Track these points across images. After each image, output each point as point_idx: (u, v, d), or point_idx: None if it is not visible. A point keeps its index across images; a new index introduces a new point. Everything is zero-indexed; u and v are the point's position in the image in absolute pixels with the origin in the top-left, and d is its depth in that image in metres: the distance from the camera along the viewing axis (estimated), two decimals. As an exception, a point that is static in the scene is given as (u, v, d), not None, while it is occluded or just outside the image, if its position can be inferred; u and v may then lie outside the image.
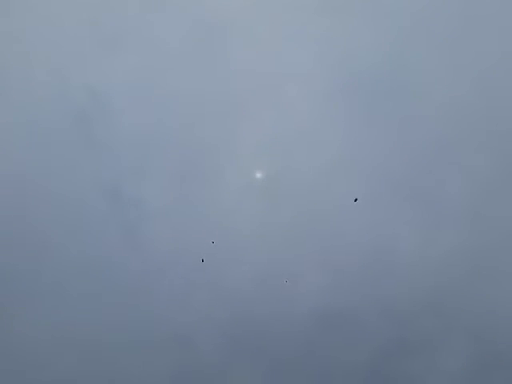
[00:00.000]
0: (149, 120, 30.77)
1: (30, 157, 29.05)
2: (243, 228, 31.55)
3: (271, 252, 31.72)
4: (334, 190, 31.69)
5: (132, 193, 30.18)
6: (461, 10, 29.97)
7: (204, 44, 31.13)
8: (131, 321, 30.32)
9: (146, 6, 30.12)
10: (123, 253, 29.91)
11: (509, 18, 29.59)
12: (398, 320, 31.19)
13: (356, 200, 30.45)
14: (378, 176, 31.54)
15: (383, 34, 30.09)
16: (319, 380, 31.29)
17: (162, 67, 31.03)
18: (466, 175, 31.14)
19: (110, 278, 29.92)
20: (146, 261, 30.17)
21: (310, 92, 31.55)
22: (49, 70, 29.46)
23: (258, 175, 31.72)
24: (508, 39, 30.40)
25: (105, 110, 29.68)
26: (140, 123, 30.44)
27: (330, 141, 31.31)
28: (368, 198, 31.55)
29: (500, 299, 29.90)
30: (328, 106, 31.36)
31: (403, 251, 31.36)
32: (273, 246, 31.76)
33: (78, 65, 29.45)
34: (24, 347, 29.15)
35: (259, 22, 31.04)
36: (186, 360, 30.95)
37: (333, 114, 31.43)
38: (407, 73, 31.14)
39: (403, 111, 31.33)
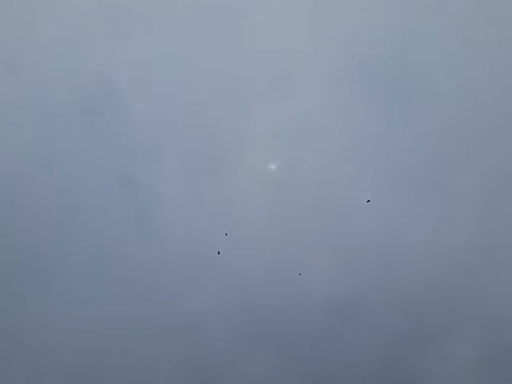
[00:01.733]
0: (160, 107, 30.50)
1: (40, 144, 28.87)
2: (254, 217, 31.37)
3: (282, 242, 31.56)
4: (345, 179, 31.46)
5: (144, 180, 29.99)
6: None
7: (215, 31, 30.82)
8: (141, 309, 30.25)
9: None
10: (135, 240, 29.79)
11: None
12: (409, 310, 31.06)
13: (369, 201, 30.20)
14: (388, 166, 31.28)
15: (394, 19, 29.66)
16: (330, 370, 31.23)
17: (173, 54, 30.72)
18: (478, 165, 30.82)
19: (121, 265, 29.81)
20: (157, 248, 30.05)
21: (320, 81, 31.22)
22: (58, 57, 29.21)
23: (270, 165, 31.51)
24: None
25: (116, 97, 29.42)
26: (151, 110, 30.17)
27: (340, 130, 31.05)
28: (379, 188, 31.29)
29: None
30: (339, 95, 31.07)
31: (414, 241, 31.19)
32: (283, 235, 31.60)
33: (88, 51, 29.17)
34: (32, 334, 29.15)
35: (267, 11, 30.67)
36: (197, 349, 30.90)
37: (344, 104, 31.14)
38: (420, 60, 30.78)
39: (415, 100, 30.97)
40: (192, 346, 30.26)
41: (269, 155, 31.29)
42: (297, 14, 30.90)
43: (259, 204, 31.13)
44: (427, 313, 31.05)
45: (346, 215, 31.38)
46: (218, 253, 30.21)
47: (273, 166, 31.37)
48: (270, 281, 31.09)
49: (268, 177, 31.27)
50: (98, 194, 29.34)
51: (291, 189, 31.25)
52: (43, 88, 29.23)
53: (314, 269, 31.18)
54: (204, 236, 30.62)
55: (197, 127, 30.60)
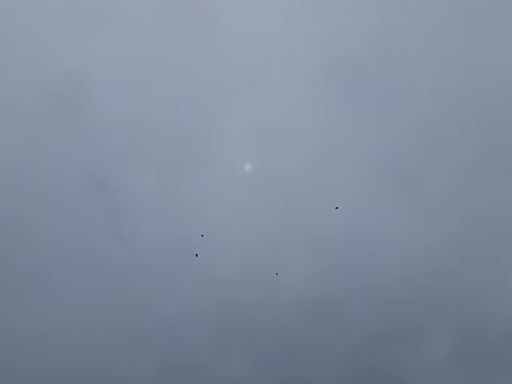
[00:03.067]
0: (132, 106, 30.26)
1: (10, 145, 28.52)
2: (229, 217, 31.21)
3: (257, 241, 31.42)
4: (321, 178, 31.36)
5: (116, 181, 29.73)
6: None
7: (189, 28, 30.58)
8: (116, 311, 30.00)
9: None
10: (107, 242, 29.54)
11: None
12: (385, 309, 31.02)
13: (337, 208, 30.16)
14: (364, 164, 31.27)
15: (369, 14, 29.54)
16: (307, 369, 31.15)
17: (146, 52, 30.50)
18: (454, 163, 30.86)
19: (94, 267, 29.55)
20: (130, 250, 29.82)
21: (296, 78, 31.10)
22: (28, 55, 28.87)
23: (245, 163, 31.35)
24: (502, 25, 29.88)
25: (86, 96, 29.15)
26: (123, 109, 29.91)
27: (316, 128, 30.94)
28: (355, 186, 31.25)
29: (487, 288, 29.74)
30: (315, 92, 30.96)
31: (390, 240, 31.17)
32: (259, 234, 31.46)
33: (58, 49, 28.84)
34: (7, 341, 28.83)
35: (242, 11, 30.51)
36: (173, 350, 30.71)
37: (320, 101, 31.04)
38: (395, 57, 30.73)
39: (391, 97, 30.93)
40: (166, 348, 30.05)
41: (243, 155, 31.16)
42: (271, 14, 30.79)
43: (234, 203, 30.97)
44: (403, 311, 31.03)
45: (322, 214, 31.29)
46: (196, 255, 30.00)
47: (247, 166, 31.24)
48: (245, 281, 30.95)
49: (242, 176, 31.15)
50: (70, 195, 29.04)
51: (266, 188, 31.13)
52: (14, 88, 28.89)
53: (289, 269, 31.09)
54: (178, 236, 30.44)
55: (170, 127, 30.40)
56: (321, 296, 30.72)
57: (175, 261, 30.41)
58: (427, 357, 30.68)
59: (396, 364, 30.79)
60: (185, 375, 30.59)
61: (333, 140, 31.23)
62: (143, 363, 30.42)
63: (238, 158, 31.25)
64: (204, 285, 30.96)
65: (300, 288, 30.92)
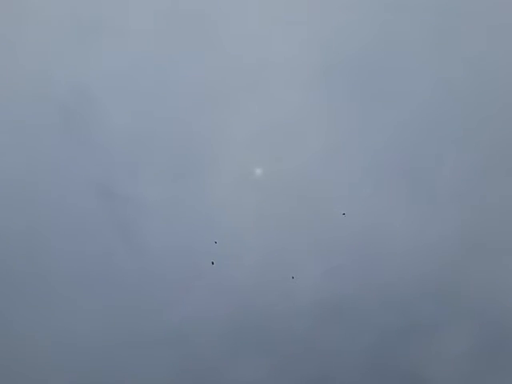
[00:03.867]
0: (138, 115, 30.27)
1: (17, 159, 28.54)
2: (239, 221, 31.14)
3: (268, 244, 31.34)
4: (330, 179, 31.30)
5: (124, 190, 29.69)
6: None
7: (190, 37, 30.67)
8: (129, 320, 29.92)
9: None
10: (118, 251, 29.48)
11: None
12: (400, 306, 30.86)
13: (344, 214, 30.07)
14: (371, 160, 31.22)
15: (370, 12, 29.57)
16: (323, 371, 31.00)
17: (148, 61, 30.53)
18: (462, 158, 30.79)
19: (105, 277, 29.48)
20: (141, 258, 29.74)
21: (299, 79, 31.11)
22: (31, 69, 28.92)
23: (253, 167, 31.32)
24: (505, 17, 29.91)
25: (92, 107, 29.15)
26: (129, 119, 29.92)
27: (321, 127, 30.91)
28: (363, 183, 31.21)
29: (503, 281, 29.59)
30: (319, 92, 30.95)
31: (402, 237, 31.08)
32: (270, 237, 31.37)
33: (61, 61, 28.90)
34: (18, 350, 28.73)
35: (240, 15, 30.54)
36: (188, 358, 30.58)
37: (323, 100, 31.03)
38: (396, 52, 30.75)
39: (395, 95, 30.92)
40: (181, 356, 29.90)
41: (250, 159, 31.12)
42: (270, 17, 30.81)
43: (243, 208, 30.93)
44: (418, 308, 30.89)
45: (332, 214, 31.20)
46: (212, 263, 29.82)
47: (255, 169, 31.20)
48: (258, 285, 30.83)
49: (251, 180, 31.10)
50: (79, 206, 29.01)
51: (275, 191, 31.07)
52: (18, 101, 28.93)
53: (302, 271, 30.99)
54: (189, 243, 30.35)
55: (176, 134, 30.37)
56: (335, 296, 30.59)
57: (187, 268, 30.33)
58: (445, 353, 30.53)
59: (414, 361, 30.66)
60: (201, 381, 30.48)
61: (339, 140, 31.21)
62: (158, 371, 30.32)
63: (245, 162, 31.23)
64: (217, 291, 30.86)
65: (314, 289, 30.78)
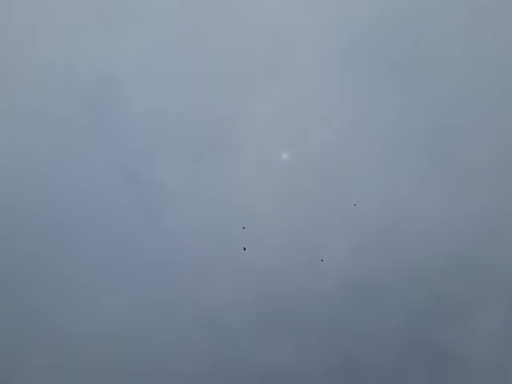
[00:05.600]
0: (160, 100, 30.32)
1: (44, 145, 28.69)
2: (262, 204, 31.02)
3: (293, 226, 31.17)
4: (353, 157, 31.06)
5: (149, 175, 29.78)
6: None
7: (210, 18, 30.58)
8: (157, 303, 29.94)
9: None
10: (144, 235, 29.55)
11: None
12: (427, 284, 30.49)
13: (355, 205, 29.62)
14: (397, 140, 30.93)
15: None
16: (351, 351, 30.74)
17: (169, 46, 30.53)
18: (487, 133, 30.29)
19: (133, 260, 29.57)
20: (168, 242, 29.78)
21: (318, 60, 30.92)
22: (57, 58, 29.09)
23: (275, 148, 31.14)
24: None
25: (115, 93, 29.31)
26: (151, 103, 29.99)
27: (344, 107, 30.68)
28: (388, 162, 30.88)
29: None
30: (338, 72, 30.69)
31: (428, 213, 30.66)
32: (295, 219, 31.19)
33: (86, 50, 29.05)
34: (48, 335, 28.84)
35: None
36: (215, 340, 30.54)
37: (346, 80, 30.80)
38: (419, 32, 30.31)
39: (416, 68, 30.47)
40: (212, 339, 29.86)
41: (272, 140, 30.97)
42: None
43: (267, 190, 30.81)
44: (446, 285, 30.50)
45: (357, 194, 30.90)
46: (244, 249, 29.47)
47: (277, 151, 31.04)
48: (285, 267, 30.67)
49: (273, 162, 30.96)
50: (105, 191, 29.12)
51: (298, 171, 30.92)
52: (44, 89, 29.14)
53: (329, 252, 30.76)
54: (215, 226, 30.29)
55: (198, 118, 30.38)
56: (363, 276, 30.36)
57: (215, 252, 30.28)
58: (474, 331, 30.10)
59: (444, 340, 30.26)
60: (231, 364, 30.40)
61: (362, 118, 30.97)
62: (184, 354, 30.19)
63: (267, 143, 31.09)
64: (242, 274, 30.78)
65: (341, 270, 30.55)
